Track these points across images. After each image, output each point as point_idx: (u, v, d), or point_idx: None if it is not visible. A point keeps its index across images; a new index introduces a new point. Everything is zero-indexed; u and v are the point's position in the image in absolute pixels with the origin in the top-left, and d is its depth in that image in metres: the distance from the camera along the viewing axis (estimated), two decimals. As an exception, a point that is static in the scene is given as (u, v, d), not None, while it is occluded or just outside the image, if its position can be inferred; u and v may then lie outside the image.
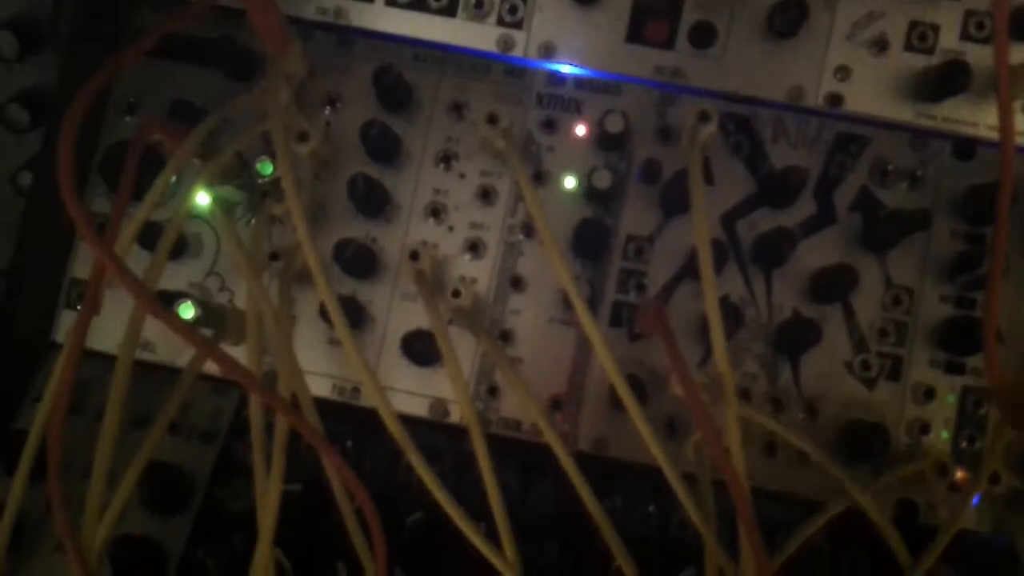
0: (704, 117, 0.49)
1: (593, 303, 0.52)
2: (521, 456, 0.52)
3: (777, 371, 0.52)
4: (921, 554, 0.46)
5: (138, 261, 0.52)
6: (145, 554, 0.47)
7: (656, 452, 0.43)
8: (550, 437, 0.45)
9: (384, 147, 0.53)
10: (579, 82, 0.54)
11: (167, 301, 0.51)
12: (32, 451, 0.47)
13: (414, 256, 0.50)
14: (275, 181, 0.50)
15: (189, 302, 0.46)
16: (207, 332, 0.49)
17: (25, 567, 0.49)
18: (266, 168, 0.50)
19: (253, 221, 0.52)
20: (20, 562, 0.50)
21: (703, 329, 0.50)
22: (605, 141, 0.53)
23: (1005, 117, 0.45)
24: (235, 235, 0.46)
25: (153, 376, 0.52)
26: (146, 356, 0.54)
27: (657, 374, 0.51)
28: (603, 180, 0.51)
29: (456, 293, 0.50)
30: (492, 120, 0.50)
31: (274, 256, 0.51)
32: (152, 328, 0.51)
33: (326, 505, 0.46)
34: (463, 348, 0.52)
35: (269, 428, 0.45)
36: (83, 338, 0.41)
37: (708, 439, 0.40)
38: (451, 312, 0.51)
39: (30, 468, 0.47)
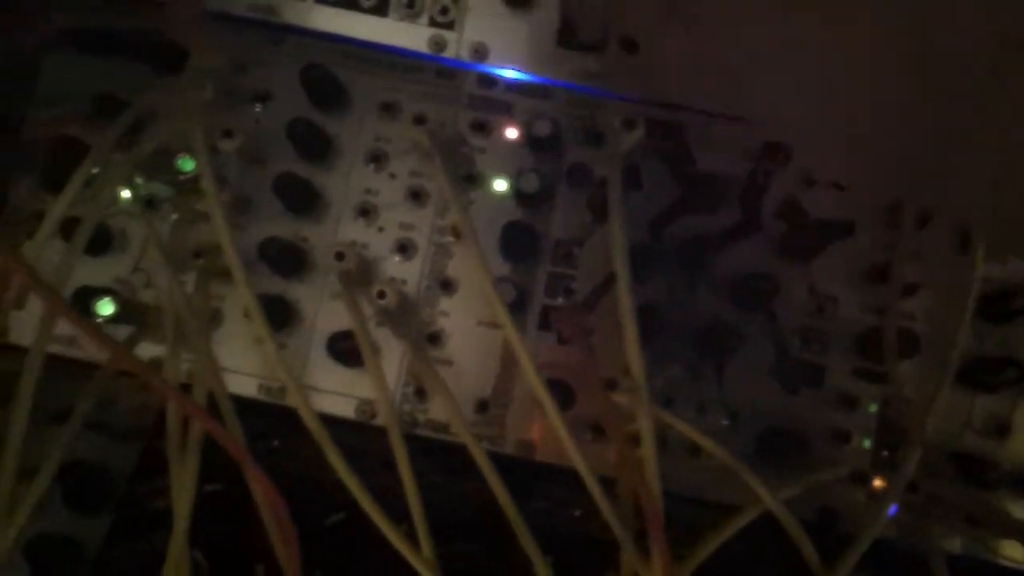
0: (629, 123, 0.50)
1: (522, 306, 0.52)
2: (445, 458, 0.52)
3: (701, 376, 0.52)
4: (836, 562, 0.46)
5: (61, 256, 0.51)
6: (63, 553, 0.46)
7: (572, 454, 0.44)
8: (466, 438, 0.45)
9: (312, 144, 0.52)
10: (510, 85, 0.54)
11: (90, 297, 0.51)
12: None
13: (339, 256, 0.50)
14: (197, 178, 0.50)
15: (108, 299, 0.46)
16: (128, 329, 0.49)
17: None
18: (186, 164, 0.50)
19: (175, 217, 0.51)
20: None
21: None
22: (535, 144, 0.53)
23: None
24: (154, 230, 0.46)
25: (78, 372, 0.52)
26: (72, 352, 0.53)
27: (582, 378, 0.51)
28: (530, 184, 0.51)
29: (381, 294, 0.50)
30: (419, 120, 0.50)
31: (197, 254, 0.51)
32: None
33: (247, 506, 0.46)
34: (391, 349, 0.52)
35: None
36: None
37: (618, 443, 0.40)
38: (378, 314, 0.51)
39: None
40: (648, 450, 0.42)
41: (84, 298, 0.50)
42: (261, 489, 0.42)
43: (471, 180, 0.53)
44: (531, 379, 0.44)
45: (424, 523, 0.45)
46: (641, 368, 0.43)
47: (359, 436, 0.52)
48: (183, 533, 0.42)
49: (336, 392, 0.53)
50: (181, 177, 0.50)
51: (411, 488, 0.45)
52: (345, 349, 0.51)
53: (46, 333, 0.42)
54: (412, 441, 0.49)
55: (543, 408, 0.49)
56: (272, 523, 0.45)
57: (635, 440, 0.48)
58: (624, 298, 0.43)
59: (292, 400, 0.44)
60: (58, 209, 0.45)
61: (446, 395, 0.47)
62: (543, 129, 0.51)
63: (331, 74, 0.52)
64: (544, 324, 0.53)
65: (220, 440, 0.41)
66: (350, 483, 0.44)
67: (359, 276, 0.50)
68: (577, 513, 0.52)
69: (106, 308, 0.46)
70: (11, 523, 0.42)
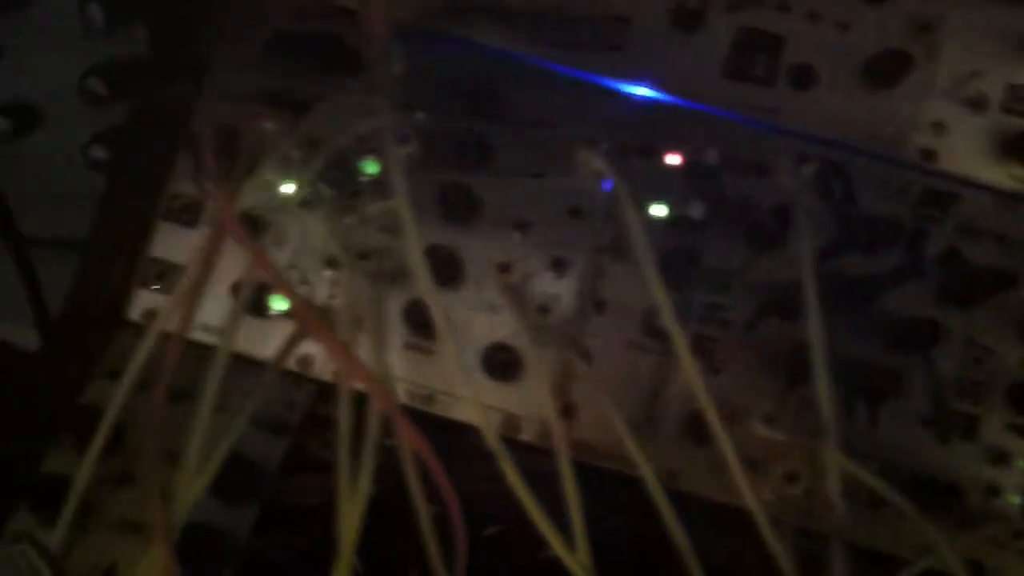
0: (803, 159, 0.49)
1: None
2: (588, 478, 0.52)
3: (854, 418, 0.51)
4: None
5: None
6: (211, 542, 0.46)
7: (741, 488, 0.43)
8: (641, 464, 0.45)
9: (474, 155, 0.53)
10: (675, 110, 0.54)
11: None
12: (107, 431, 0.47)
13: (505, 269, 0.50)
14: (374, 181, 0.50)
15: (282, 295, 0.46)
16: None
17: (80, 543, 0.49)
18: (370, 167, 0.50)
19: (349, 219, 0.51)
20: (75, 538, 0.49)
21: (786, 365, 0.50)
22: (699, 172, 0.53)
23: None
24: (339, 231, 0.46)
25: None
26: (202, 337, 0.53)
27: (735, 410, 0.51)
28: (698, 211, 0.51)
29: (544, 309, 0.50)
30: (590, 144, 0.50)
31: (363, 255, 0.51)
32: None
33: (400, 511, 0.46)
34: (543, 366, 0.52)
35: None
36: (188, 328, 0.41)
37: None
38: (534, 329, 0.51)
39: (103, 447, 0.47)
40: (835, 497, 0.42)
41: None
42: (448, 496, 0.42)
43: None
44: (709, 411, 0.44)
45: (585, 539, 0.44)
46: (832, 411, 0.43)
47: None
48: (351, 543, 0.42)
49: (480, 403, 0.52)
50: (362, 179, 0.50)
51: (575, 505, 0.44)
52: (501, 362, 0.51)
53: (233, 331, 0.42)
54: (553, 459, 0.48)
55: (697, 437, 0.50)
56: (428, 526, 0.45)
57: (790, 478, 0.48)
58: (818, 348, 0.42)
59: (462, 413, 0.44)
60: (241, 201, 0.45)
61: (613, 417, 0.46)
62: (712, 158, 0.51)
63: (496, 89, 0.52)
64: (696, 352, 0.52)
65: (416, 446, 0.41)
66: (524, 496, 0.43)
67: (522, 290, 0.50)
68: (721, 544, 0.51)
69: (280, 303, 0.47)
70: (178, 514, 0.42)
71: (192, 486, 0.42)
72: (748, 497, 0.43)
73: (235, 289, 0.47)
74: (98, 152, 0.63)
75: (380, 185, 0.49)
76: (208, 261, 0.41)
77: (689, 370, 0.44)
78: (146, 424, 0.50)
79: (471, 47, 0.53)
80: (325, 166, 0.49)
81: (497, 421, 0.52)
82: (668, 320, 0.44)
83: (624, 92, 0.54)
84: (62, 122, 0.67)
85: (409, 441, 0.41)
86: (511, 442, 0.52)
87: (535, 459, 0.49)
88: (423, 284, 0.43)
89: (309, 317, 0.38)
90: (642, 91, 0.54)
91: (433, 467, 0.42)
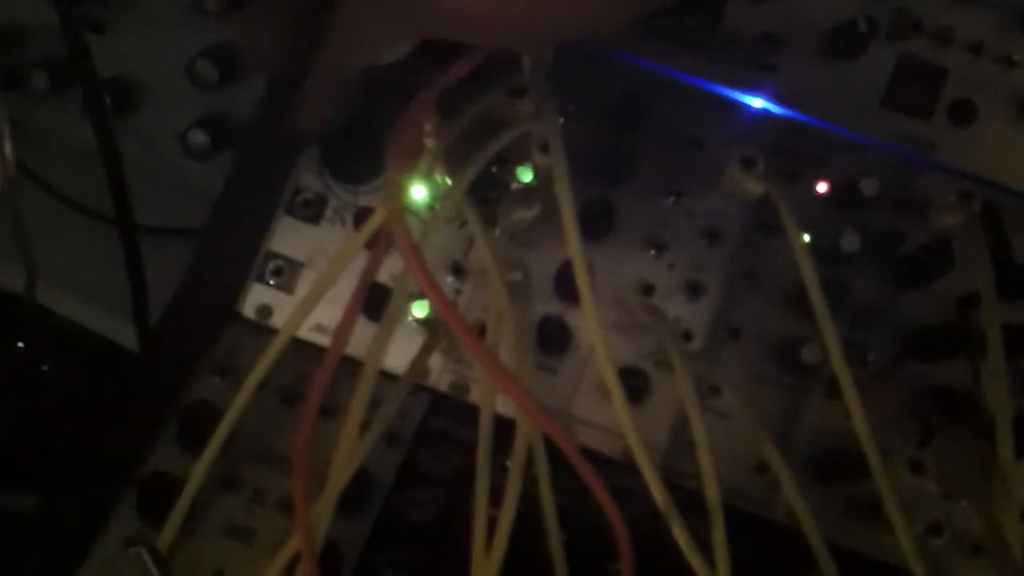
0: (966, 196, 0.47)
1: (812, 369, 0.50)
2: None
3: (993, 469, 0.49)
4: None
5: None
6: (324, 554, 0.44)
7: (906, 544, 0.41)
8: (801, 514, 0.42)
9: (619, 171, 0.50)
10: (824, 136, 0.52)
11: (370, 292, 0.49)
12: (225, 433, 0.45)
13: (648, 290, 0.48)
14: (522, 190, 0.48)
15: (424, 301, 0.44)
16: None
17: (186, 547, 0.46)
18: (525, 174, 0.48)
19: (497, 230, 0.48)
20: (178, 542, 0.47)
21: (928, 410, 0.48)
22: (848, 203, 0.51)
23: None
24: (491, 239, 0.44)
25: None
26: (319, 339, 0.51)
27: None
28: (852, 243, 0.48)
29: (688, 336, 0.48)
30: (748, 163, 0.48)
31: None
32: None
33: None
34: (666, 393, 0.50)
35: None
36: (347, 340, 0.38)
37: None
38: (668, 355, 0.49)
39: (218, 451, 0.45)
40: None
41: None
42: (615, 524, 0.40)
43: (769, 229, 0.51)
44: (871, 453, 0.41)
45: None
46: (1014, 467, 0.40)
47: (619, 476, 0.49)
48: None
49: (603, 428, 0.50)
50: (516, 186, 0.48)
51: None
52: (631, 388, 0.48)
53: (381, 348, 0.39)
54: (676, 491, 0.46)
55: (827, 479, 0.47)
56: (558, 553, 0.43)
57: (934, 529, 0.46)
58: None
59: (640, 460, 0.42)
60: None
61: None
62: (870, 188, 0.49)
63: (649, 103, 0.50)
64: (831, 391, 0.50)
65: (581, 470, 0.39)
66: (679, 534, 0.41)
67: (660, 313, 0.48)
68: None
69: (422, 309, 0.45)
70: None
71: (330, 505, 0.39)
72: (906, 547, 0.41)
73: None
74: (197, 137, 0.61)
75: (524, 194, 0.47)
76: (373, 270, 0.38)
77: (856, 409, 0.42)
78: (265, 431, 0.48)
79: (620, 60, 0.51)
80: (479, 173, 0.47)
81: (619, 448, 0.50)
82: (837, 361, 0.42)
83: (773, 114, 0.52)
84: (164, 104, 0.65)
85: (587, 479, 0.39)
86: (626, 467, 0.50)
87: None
88: (585, 297, 0.41)
89: (471, 336, 0.36)
90: (792, 114, 0.52)
91: (608, 508, 0.39)
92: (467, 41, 0.40)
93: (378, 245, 0.41)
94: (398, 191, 0.37)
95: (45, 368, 0.71)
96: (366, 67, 0.42)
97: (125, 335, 0.62)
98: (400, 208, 0.36)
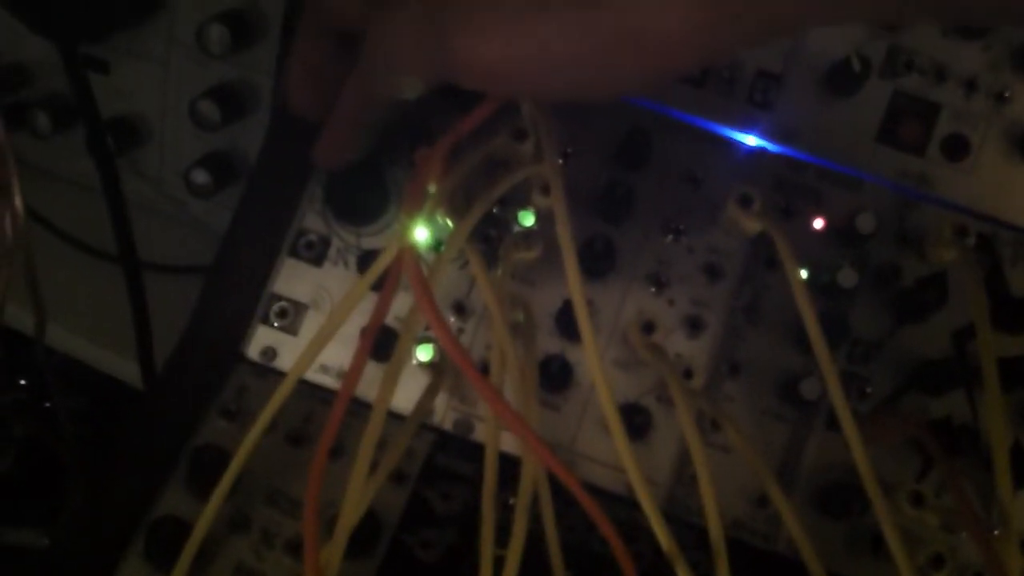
0: (961, 231, 0.48)
1: (812, 404, 0.50)
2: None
3: (992, 501, 0.50)
4: None
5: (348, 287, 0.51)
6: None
7: (904, 570, 0.41)
8: (803, 547, 0.43)
9: (620, 209, 0.51)
10: (820, 172, 0.53)
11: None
12: (233, 476, 0.45)
13: (648, 328, 0.48)
14: (523, 233, 0.49)
15: (430, 344, 0.44)
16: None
17: (193, 589, 0.47)
18: (527, 219, 0.48)
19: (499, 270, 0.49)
20: (187, 584, 0.47)
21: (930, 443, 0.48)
22: (844, 238, 0.51)
23: None
24: (493, 280, 0.44)
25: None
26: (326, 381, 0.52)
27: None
28: (849, 279, 0.49)
29: (688, 373, 0.48)
30: (744, 201, 0.48)
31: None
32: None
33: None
34: (668, 429, 0.51)
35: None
36: (355, 385, 0.39)
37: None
38: (669, 390, 0.49)
39: (227, 492, 0.45)
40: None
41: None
42: (619, 554, 0.40)
43: (768, 265, 0.52)
44: (871, 487, 0.42)
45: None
46: (1013, 498, 0.41)
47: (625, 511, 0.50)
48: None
49: (608, 464, 0.51)
50: (517, 229, 0.48)
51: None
52: (633, 425, 0.49)
53: (388, 392, 0.40)
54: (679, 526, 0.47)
55: (830, 512, 0.48)
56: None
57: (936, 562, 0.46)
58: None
59: (641, 497, 0.42)
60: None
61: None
62: (867, 225, 0.49)
63: (648, 141, 0.51)
64: (831, 424, 0.51)
65: (592, 514, 0.39)
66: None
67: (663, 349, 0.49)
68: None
69: (427, 352, 0.45)
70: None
71: (340, 546, 0.40)
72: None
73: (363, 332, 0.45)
74: (199, 176, 0.62)
75: (525, 236, 0.47)
76: (384, 311, 0.39)
77: (855, 442, 0.42)
78: (272, 472, 0.48)
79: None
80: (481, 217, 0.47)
81: (622, 484, 0.50)
82: (836, 395, 0.43)
83: (769, 150, 0.52)
84: (167, 143, 0.65)
85: (591, 513, 0.39)
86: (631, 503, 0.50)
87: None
88: (585, 330, 0.42)
89: (480, 378, 0.37)
90: (787, 150, 0.52)
91: (613, 542, 0.40)
92: (481, 90, 0.41)
93: (388, 286, 0.41)
94: (410, 231, 0.37)
95: (48, 404, 0.71)
96: (392, 101, 0.43)
97: (130, 373, 0.62)
98: (413, 247, 0.37)
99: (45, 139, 0.65)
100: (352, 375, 0.38)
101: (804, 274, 0.51)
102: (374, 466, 0.44)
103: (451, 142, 0.42)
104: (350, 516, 0.39)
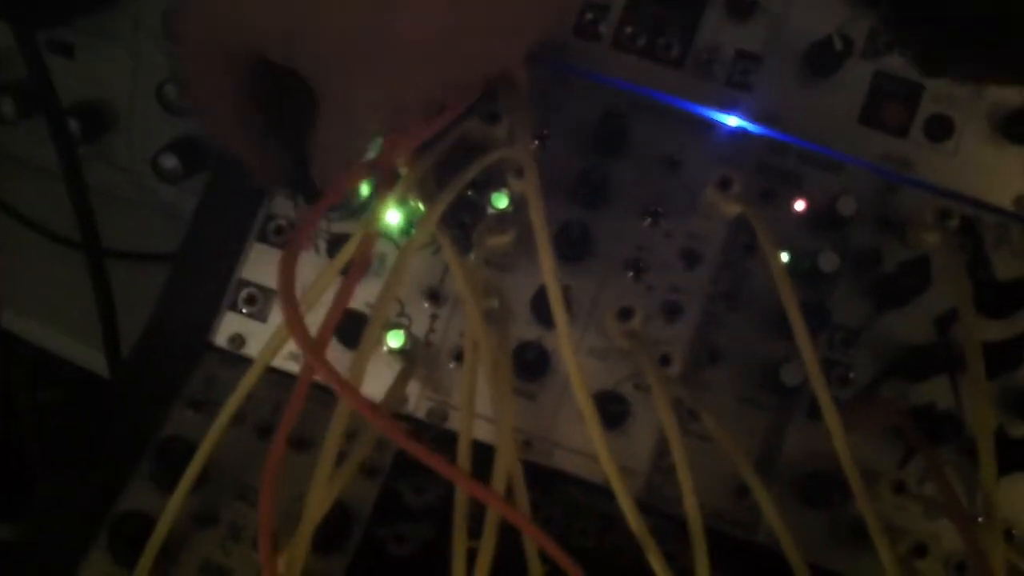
0: (944, 215, 0.47)
1: (793, 391, 0.49)
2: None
3: (976, 488, 0.49)
4: None
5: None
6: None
7: (889, 566, 0.40)
8: (782, 537, 0.42)
9: (593, 192, 0.50)
10: (802, 155, 0.52)
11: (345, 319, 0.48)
12: (198, 468, 0.44)
13: (626, 314, 0.47)
14: (496, 216, 0.47)
15: (400, 331, 0.43)
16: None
17: (160, 585, 0.45)
18: (500, 200, 0.47)
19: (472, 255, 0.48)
20: (154, 578, 0.46)
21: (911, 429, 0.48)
22: (826, 222, 0.50)
23: None
24: (466, 266, 0.43)
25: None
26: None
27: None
28: (830, 263, 0.48)
29: (666, 360, 0.47)
30: (724, 184, 0.47)
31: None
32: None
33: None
34: (646, 418, 0.50)
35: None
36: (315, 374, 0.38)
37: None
38: (646, 377, 0.48)
39: (191, 485, 0.44)
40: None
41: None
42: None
43: (748, 250, 0.51)
44: (852, 476, 0.41)
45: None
46: (996, 485, 0.40)
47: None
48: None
49: (585, 453, 0.50)
50: (491, 212, 0.47)
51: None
52: (611, 413, 0.48)
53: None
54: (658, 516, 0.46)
55: (811, 501, 0.47)
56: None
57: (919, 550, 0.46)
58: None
59: (616, 487, 0.41)
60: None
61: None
62: (847, 208, 0.48)
63: (625, 124, 0.50)
64: (812, 412, 0.50)
65: (544, 545, 0.38)
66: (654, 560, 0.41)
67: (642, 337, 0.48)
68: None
69: (397, 339, 0.44)
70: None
71: (306, 540, 0.39)
72: (890, 569, 0.40)
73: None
74: (168, 161, 0.60)
75: (499, 220, 0.46)
76: (346, 299, 0.37)
77: (836, 430, 0.41)
78: (241, 465, 0.47)
79: (594, 80, 0.51)
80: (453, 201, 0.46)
81: (599, 472, 0.49)
82: (817, 381, 0.42)
83: (750, 132, 0.51)
84: (135, 127, 0.64)
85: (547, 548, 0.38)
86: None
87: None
88: (560, 318, 0.40)
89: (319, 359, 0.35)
90: (768, 132, 0.51)
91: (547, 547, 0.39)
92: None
93: (353, 271, 0.40)
94: (380, 216, 0.36)
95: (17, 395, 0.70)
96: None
97: (96, 362, 0.61)
98: (375, 231, 0.35)
99: (12, 125, 0.64)
100: (311, 362, 0.37)
101: (785, 257, 0.50)
102: (344, 457, 0.43)
103: (425, 132, 0.41)
104: (315, 509, 0.38)
